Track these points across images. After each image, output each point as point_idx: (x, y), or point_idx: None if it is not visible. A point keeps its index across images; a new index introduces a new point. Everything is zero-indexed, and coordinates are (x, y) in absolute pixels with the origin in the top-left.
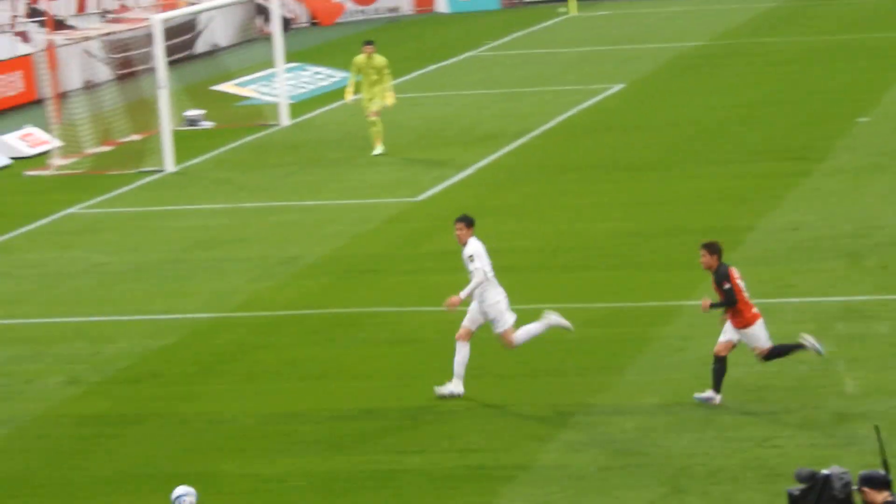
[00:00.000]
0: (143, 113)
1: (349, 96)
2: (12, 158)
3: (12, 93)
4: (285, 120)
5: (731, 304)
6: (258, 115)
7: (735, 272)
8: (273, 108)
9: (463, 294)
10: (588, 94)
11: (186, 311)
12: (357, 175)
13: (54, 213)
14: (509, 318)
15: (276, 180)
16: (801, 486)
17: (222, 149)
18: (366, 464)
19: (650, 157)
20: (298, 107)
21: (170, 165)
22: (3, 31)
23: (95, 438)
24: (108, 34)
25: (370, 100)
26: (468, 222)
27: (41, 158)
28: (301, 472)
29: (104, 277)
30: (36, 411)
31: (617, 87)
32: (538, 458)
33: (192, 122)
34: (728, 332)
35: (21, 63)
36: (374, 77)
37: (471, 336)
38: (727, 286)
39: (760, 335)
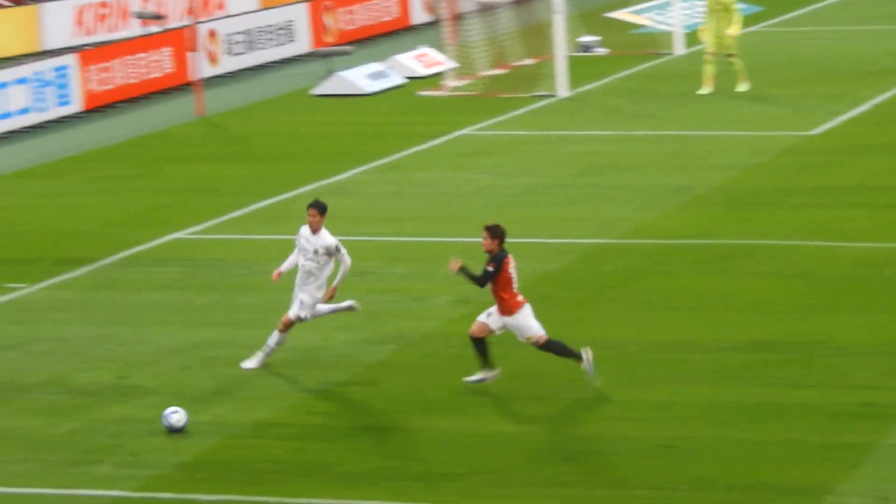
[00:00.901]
0: (537, 37)
1: (703, 34)
2: (407, 78)
3: (388, 18)
4: (679, 49)
5: (479, 284)
6: (652, 43)
7: (511, 261)
8: (667, 36)
9: (337, 283)
10: None
11: (576, 237)
12: (750, 107)
13: (446, 133)
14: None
15: (668, 109)
16: None
17: (615, 76)
18: (754, 396)
19: None
20: (693, 36)
21: (563, 90)
22: None
23: (458, 359)
24: None
25: (717, 37)
26: (322, 209)
27: (435, 79)
28: (687, 401)
29: (494, 199)
30: (426, 329)
31: None
32: None
33: (586, 48)
34: (493, 317)
35: None
36: (722, 14)
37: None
38: (490, 270)
39: (527, 324)
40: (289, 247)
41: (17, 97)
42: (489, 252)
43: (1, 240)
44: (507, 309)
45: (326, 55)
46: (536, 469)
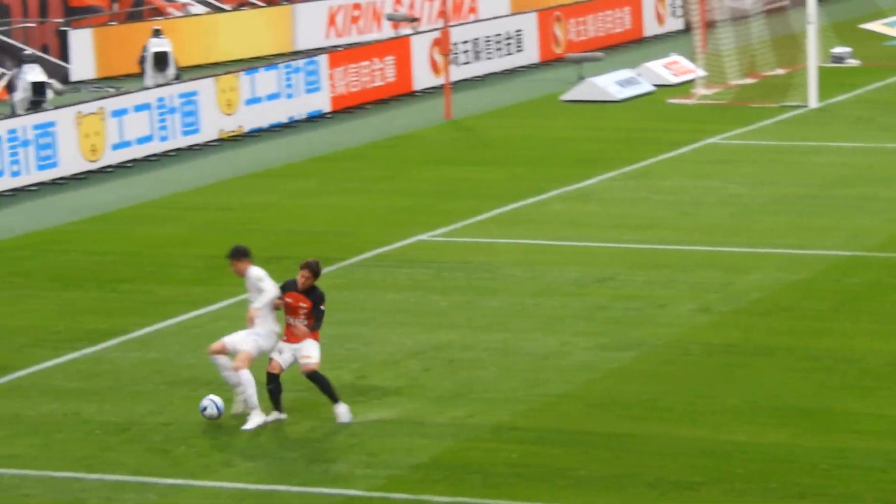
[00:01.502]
0: (789, 47)
1: None
2: (656, 86)
3: (619, 30)
4: None
5: (319, 326)
6: None
7: None
8: None
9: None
10: None
11: (822, 248)
12: None
13: (695, 141)
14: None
15: None
16: None
17: (867, 87)
18: None
19: None
20: None
21: (813, 101)
22: None
23: (723, 368)
24: None
25: None
26: (235, 255)
27: (685, 87)
28: None
29: (740, 208)
30: (666, 336)
31: None
32: None
33: (839, 59)
34: (285, 352)
35: (630, 1)
36: None
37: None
38: (323, 308)
39: (315, 350)
40: (531, 251)
41: (269, 113)
42: (304, 289)
43: (246, 238)
44: (313, 336)
45: (577, 61)
46: (771, 480)
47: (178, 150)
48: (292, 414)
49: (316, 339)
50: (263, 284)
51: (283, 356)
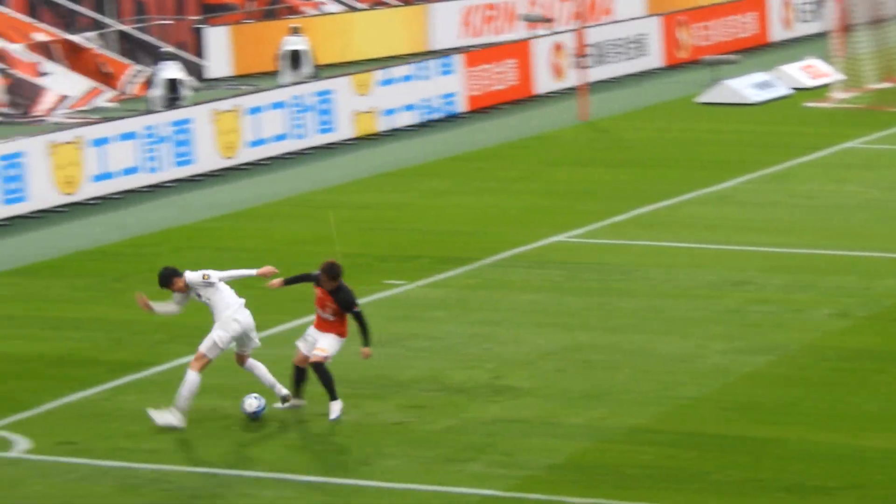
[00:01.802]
0: None
1: None
2: (794, 89)
3: (744, 35)
4: None
5: (367, 337)
6: None
7: None
8: None
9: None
10: None
11: None
12: None
13: (832, 145)
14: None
15: None
16: None
17: None
18: None
19: None
20: None
21: None
22: None
23: (861, 373)
24: None
25: None
26: (160, 283)
27: (822, 90)
28: None
29: (879, 213)
30: (803, 341)
31: None
32: None
33: None
34: (308, 339)
35: (756, 5)
36: None
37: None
38: (358, 310)
39: (331, 346)
40: (667, 253)
41: (403, 95)
42: (330, 289)
43: (383, 236)
44: (341, 332)
45: (712, 64)
46: None
47: (314, 148)
48: (428, 412)
49: (342, 335)
50: (211, 283)
51: (307, 343)
